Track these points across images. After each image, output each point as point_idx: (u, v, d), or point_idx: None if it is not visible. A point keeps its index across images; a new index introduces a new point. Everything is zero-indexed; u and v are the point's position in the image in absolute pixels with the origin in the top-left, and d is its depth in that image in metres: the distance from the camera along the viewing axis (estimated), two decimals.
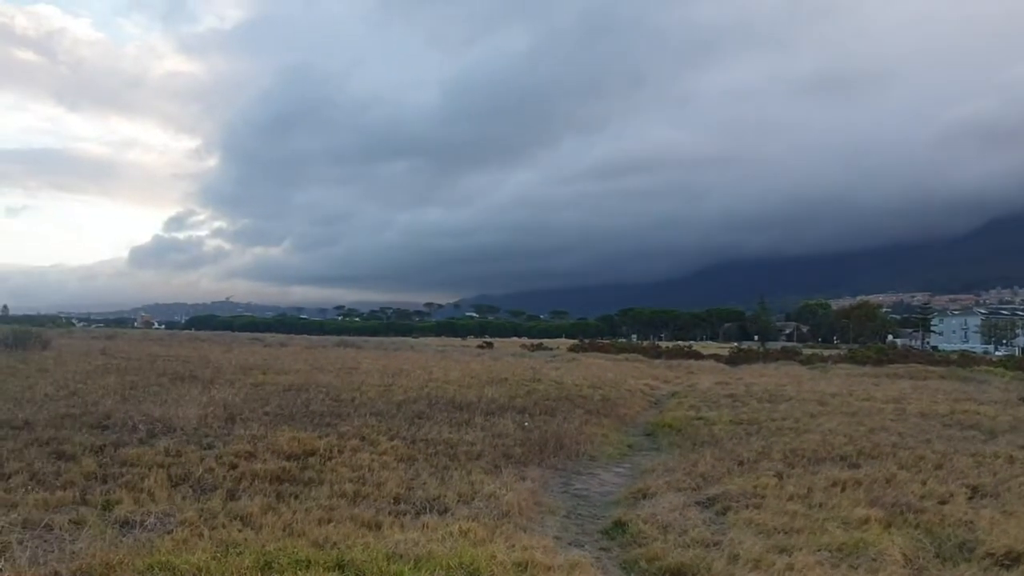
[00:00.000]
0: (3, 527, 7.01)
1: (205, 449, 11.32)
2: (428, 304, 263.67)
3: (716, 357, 53.28)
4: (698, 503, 9.41)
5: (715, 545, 7.59)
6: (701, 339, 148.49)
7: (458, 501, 8.98)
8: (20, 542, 6.57)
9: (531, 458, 12.21)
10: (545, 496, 10.08)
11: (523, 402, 19.13)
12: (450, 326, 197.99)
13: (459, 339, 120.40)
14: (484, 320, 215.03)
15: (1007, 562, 6.93)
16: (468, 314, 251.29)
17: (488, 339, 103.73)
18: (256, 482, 9.43)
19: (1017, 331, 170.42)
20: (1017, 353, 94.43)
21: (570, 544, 8.09)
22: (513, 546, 7.15)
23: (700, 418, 17.75)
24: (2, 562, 6.07)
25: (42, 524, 7.15)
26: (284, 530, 7.31)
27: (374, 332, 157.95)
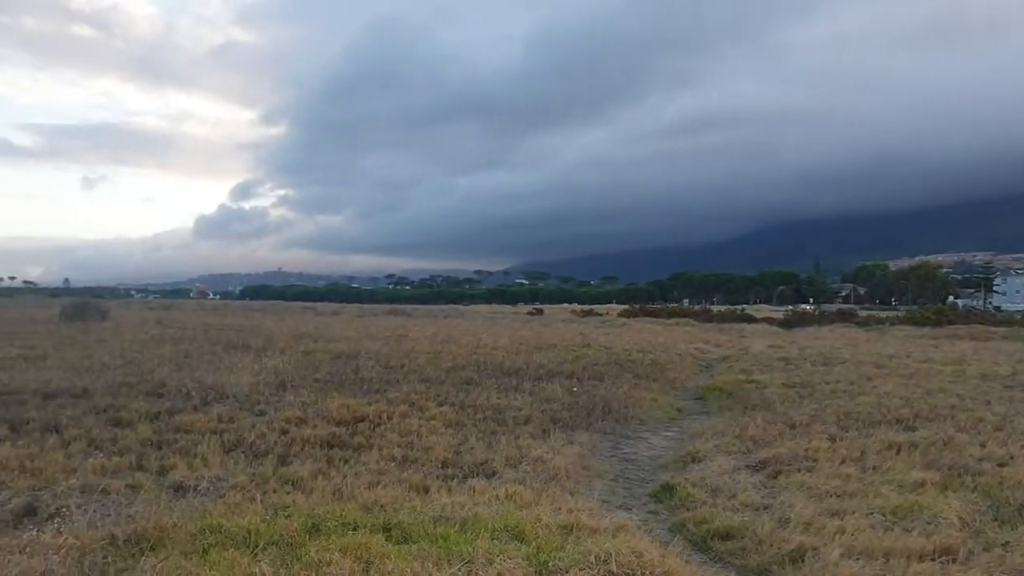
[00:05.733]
0: (62, 491, 7.19)
1: (257, 415, 11.50)
2: (478, 271, 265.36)
3: (769, 321, 52.48)
4: (748, 466, 9.28)
5: (765, 508, 7.48)
6: (754, 303, 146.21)
7: (505, 465, 8.98)
8: (79, 506, 6.74)
9: (579, 423, 12.19)
10: (593, 460, 10.04)
11: (572, 367, 19.08)
12: (500, 293, 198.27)
13: (509, 306, 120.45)
14: (534, 287, 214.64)
15: None
16: (518, 281, 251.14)
17: (538, 306, 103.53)
18: (307, 447, 9.56)
19: None
20: None
21: (618, 507, 8.03)
22: (559, 509, 7.11)
23: (751, 381, 17.50)
24: (62, 525, 6.22)
25: (99, 489, 7.31)
26: (334, 494, 7.38)
27: (424, 300, 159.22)
